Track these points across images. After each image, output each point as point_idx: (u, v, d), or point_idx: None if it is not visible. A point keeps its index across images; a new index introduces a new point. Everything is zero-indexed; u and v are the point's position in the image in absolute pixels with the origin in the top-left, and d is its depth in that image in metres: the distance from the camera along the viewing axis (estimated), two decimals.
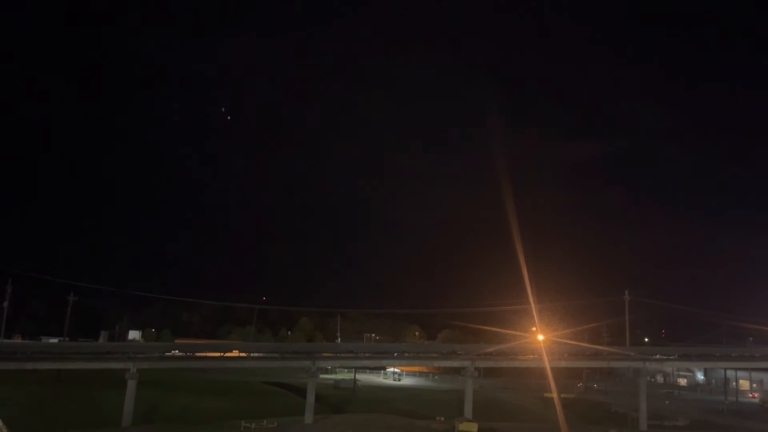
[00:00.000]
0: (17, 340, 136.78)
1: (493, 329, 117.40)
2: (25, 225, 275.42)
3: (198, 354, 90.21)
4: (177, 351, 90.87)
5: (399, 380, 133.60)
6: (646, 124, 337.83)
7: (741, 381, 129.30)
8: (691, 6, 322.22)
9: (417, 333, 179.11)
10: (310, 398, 75.70)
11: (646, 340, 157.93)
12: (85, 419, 70.13)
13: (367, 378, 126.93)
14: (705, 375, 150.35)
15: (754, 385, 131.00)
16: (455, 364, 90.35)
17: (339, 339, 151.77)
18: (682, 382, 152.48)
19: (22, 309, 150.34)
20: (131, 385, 71.66)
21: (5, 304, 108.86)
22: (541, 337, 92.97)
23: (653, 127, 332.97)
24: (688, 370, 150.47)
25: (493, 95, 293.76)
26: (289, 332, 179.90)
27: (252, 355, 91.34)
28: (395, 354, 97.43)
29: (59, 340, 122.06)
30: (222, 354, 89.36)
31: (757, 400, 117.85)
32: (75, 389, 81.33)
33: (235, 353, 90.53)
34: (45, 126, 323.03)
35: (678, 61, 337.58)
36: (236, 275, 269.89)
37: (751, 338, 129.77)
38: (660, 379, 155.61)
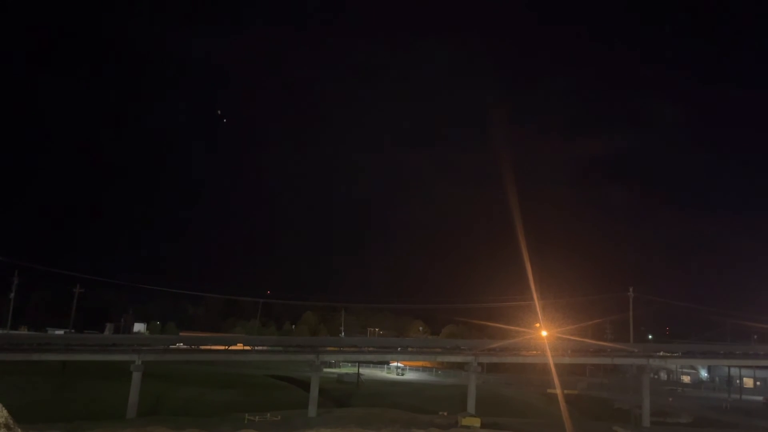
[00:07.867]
0: (23, 331, 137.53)
1: (497, 325, 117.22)
2: (31, 217, 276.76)
3: (202, 347, 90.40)
4: (182, 344, 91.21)
5: (402, 375, 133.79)
6: (653, 122, 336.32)
7: (745, 379, 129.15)
8: (701, 3, 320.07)
9: (421, 328, 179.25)
10: (314, 392, 75.92)
11: (650, 337, 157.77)
12: (90, 411, 70.44)
13: (370, 372, 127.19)
14: (709, 372, 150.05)
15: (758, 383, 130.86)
16: (459, 359, 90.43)
17: (343, 333, 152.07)
18: (686, 379, 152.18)
19: (29, 300, 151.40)
20: (136, 377, 71.99)
21: (12, 295, 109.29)
22: (544, 333, 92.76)
23: (660, 124, 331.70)
24: (692, 368, 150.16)
25: (498, 92, 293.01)
26: (293, 326, 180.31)
27: (256, 348, 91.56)
28: (399, 349, 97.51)
29: (65, 332, 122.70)
30: (226, 347, 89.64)
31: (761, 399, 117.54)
32: (80, 381, 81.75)
33: (239, 346, 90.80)
34: (49, 117, 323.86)
35: (687, 59, 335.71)
36: (241, 269, 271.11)
37: (755, 336, 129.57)
38: (663, 376, 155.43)
